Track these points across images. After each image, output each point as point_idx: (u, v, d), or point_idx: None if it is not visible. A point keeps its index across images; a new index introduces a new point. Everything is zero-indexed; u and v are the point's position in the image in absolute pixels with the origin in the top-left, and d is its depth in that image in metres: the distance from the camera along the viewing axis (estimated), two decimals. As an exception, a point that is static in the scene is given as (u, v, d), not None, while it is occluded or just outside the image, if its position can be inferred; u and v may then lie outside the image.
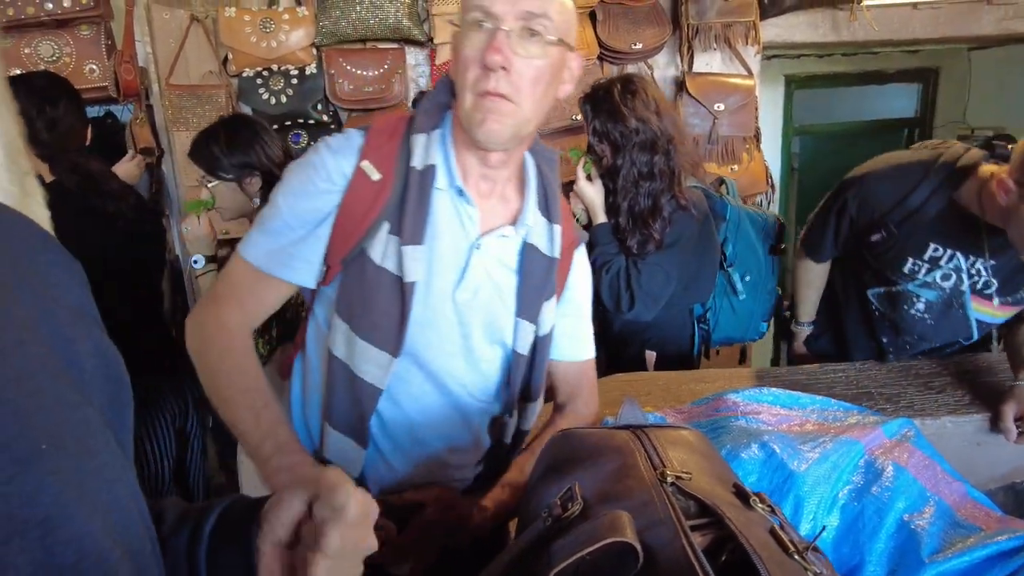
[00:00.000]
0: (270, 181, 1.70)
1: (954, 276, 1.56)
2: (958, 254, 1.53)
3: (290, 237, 0.95)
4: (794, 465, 0.98)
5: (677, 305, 1.90)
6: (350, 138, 0.95)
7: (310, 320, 1.05)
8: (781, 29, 2.71)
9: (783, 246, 2.11)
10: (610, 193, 1.77)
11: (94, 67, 2.38)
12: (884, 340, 1.72)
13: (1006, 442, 1.34)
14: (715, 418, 1.19)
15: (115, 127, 2.75)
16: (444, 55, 2.45)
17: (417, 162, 0.92)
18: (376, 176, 0.92)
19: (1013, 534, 0.91)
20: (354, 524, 0.48)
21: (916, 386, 1.52)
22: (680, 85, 2.63)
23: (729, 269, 2.02)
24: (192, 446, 2.02)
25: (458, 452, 1.05)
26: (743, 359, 2.36)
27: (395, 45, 2.51)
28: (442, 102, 0.97)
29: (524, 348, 1.01)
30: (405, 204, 0.91)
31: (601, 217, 1.76)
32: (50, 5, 2.29)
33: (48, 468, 0.35)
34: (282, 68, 2.42)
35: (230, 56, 2.43)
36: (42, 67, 2.31)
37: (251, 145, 1.71)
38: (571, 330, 1.11)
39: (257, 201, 1.74)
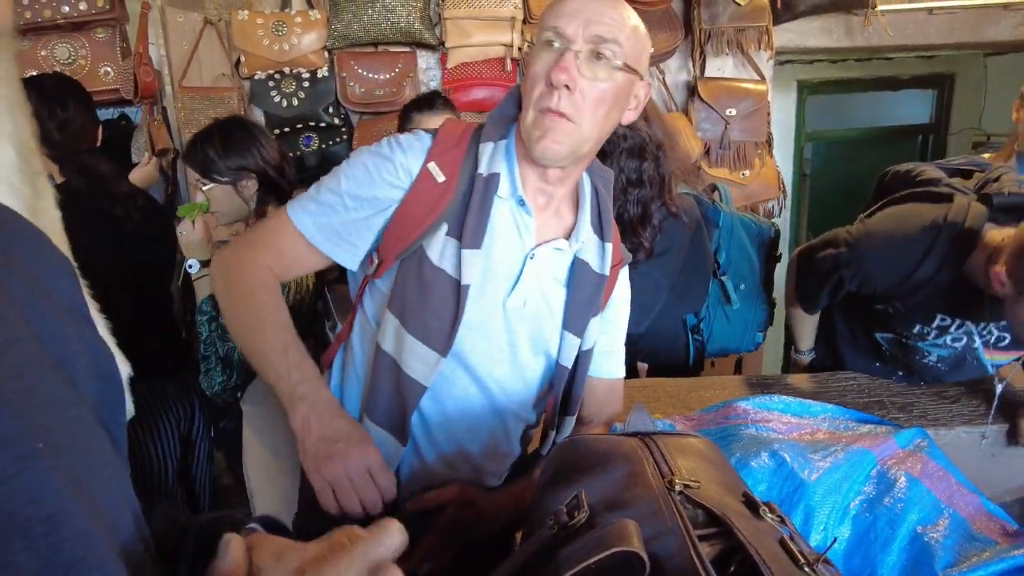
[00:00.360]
0: (266, 184, 1.68)
1: (965, 339, 1.48)
2: (968, 323, 1.46)
3: (342, 217, 0.97)
4: (805, 474, 0.97)
5: (669, 315, 1.84)
6: (420, 139, 0.99)
7: (358, 313, 1.07)
8: (794, 34, 2.69)
9: (779, 254, 2.04)
10: None
11: (109, 69, 2.41)
12: (899, 374, 1.66)
13: (1023, 454, 1.32)
14: (725, 426, 1.18)
15: (129, 128, 2.78)
16: (455, 59, 2.45)
17: (483, 169, 0.95)
18: (441, 178, 0.95)
19: (1030, 548, 0.89)
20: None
21: (929, 395, 1.50)
22: (692, 90, 2.62)
23: (723, 278, 1.95)
24: (198, 448, 2.03)
25: (494, 458, 1.06)
26: (738, 371, 2.30)
27: (406, 48, 2.52)
28: (509, 114, 1.00)
29: (568, 361, 1.03)
30: (467, 208, 0.94)
31: None
32: (66, 8, 2.32)
33: (48, 466, 0.35)
34: (294, 71, 2.44)
35: (242, 59, 2.45)
36: (58, 69, 2.33)
37: (247, 147, 1.69)
38: (608, 347, 1.13)
39: (253, 205, 1.70)
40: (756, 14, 2.51)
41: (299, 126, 2.47)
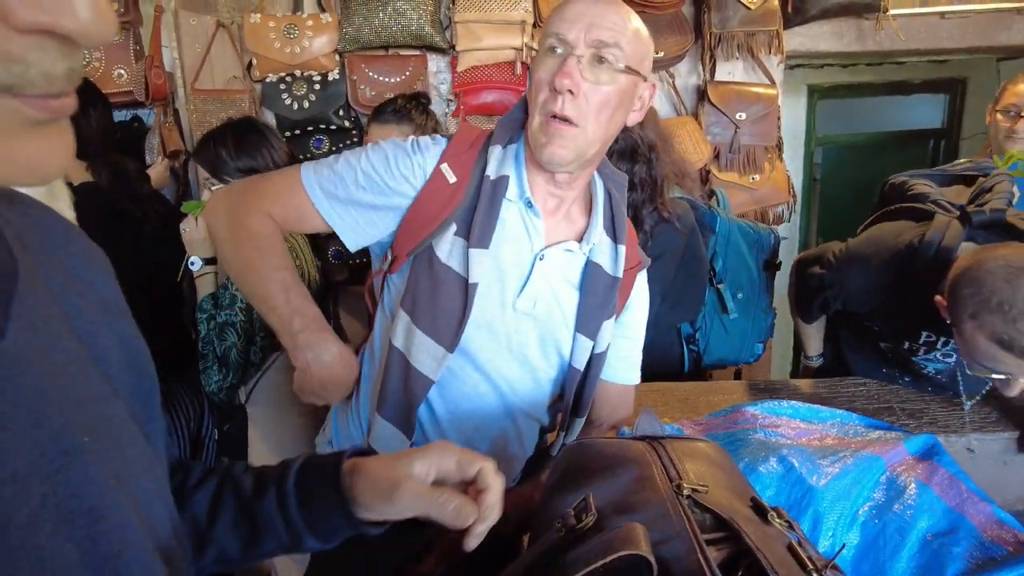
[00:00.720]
0: None
1: (955, 355, 1.46)
2: (952, 340, 1.43)
3: (351, 194, 0.99)
4: (813, 480, 0.97)
5: (663, 324, 1.79)
6: (437, 142, 1.02)
7: (378, 310, 1.09)
8: (805, 38, 2.68)
9: (778, 262, 1.99)
10: None
11: (122, 71, 2.43)
12: (905, 379, 1.66)
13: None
14: (733, 430, 1.17)
15: (142, 130, 2.80)
16: (466, 62, 2.46)
17: (491, 171, 0.97)
18: (453, 179, 0.98)
19: (1041, 557, 0.88)
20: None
21: (940, 402, 1.49)
22: (702, 94, 2.61)
23: (719, 286, 1.90)
24: (207, 448, 2.04)
25: (504, 459, 1.07)
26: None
27: (417, 52, 2.52)
28: (518, 119, 1.02)
29: (580, 363, 1.04)
30: (475, 209, 0.96)
31: None
32: (81, 11, 2.34)
33: (91, 460, 0.36)
34: (305, 74, 2.45)
35: (254, 61, 2.46)
36: (72, 71, 2.35)
37: (258, 150, 1.70)
38: (624, 352, 1.14)
39: None
40: (766, 18, 2.51)
41: (310, 128, 2.48)
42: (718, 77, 2.62)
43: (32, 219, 0.42)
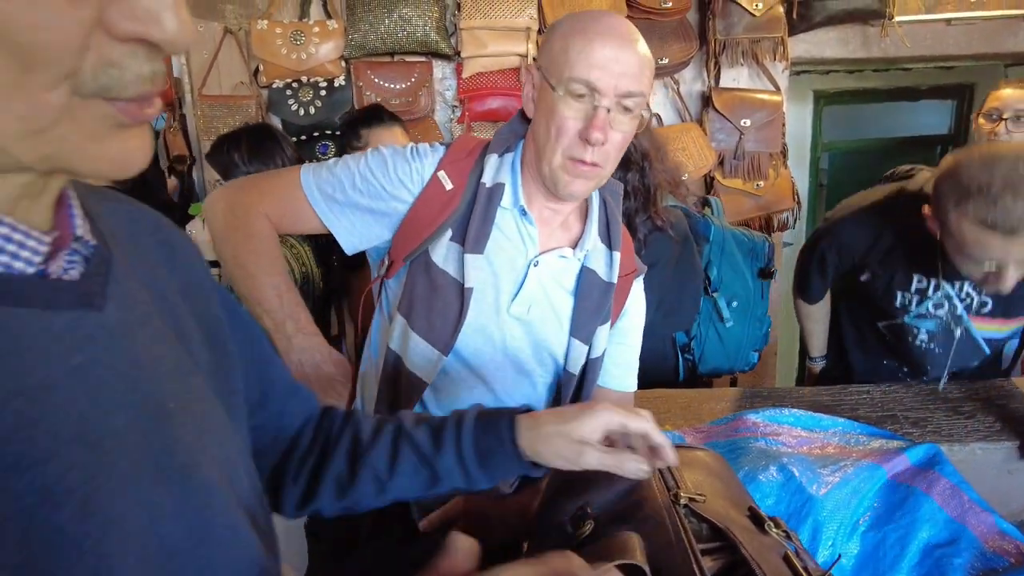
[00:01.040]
0: None
1: (946, 304, 1.52)
2: (944, 283, 1.50)
3: (349, 197, 1.00)
4: (813, 489, 0.97)
5: (657, 333, 1.74)
6: (435, 149, 1.03)
7: (375, 315, 1.11)
8: (810, 45, 2.68)
9: (773, 270, 1.98)
10: None
11: (131, 77, 2.45)
12: (904, 370, 1.68)
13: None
14: (734, 439, 1.17)
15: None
16: (471, 68, 2.47)
17: (487, 179, 0.99)
18: (449, 186, 0.99)
19: (1043, 568, 0.88)
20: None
21: (944, 411, 1.48)
22: (707, 100, 2.62)
23: (714, 295, 1.91)
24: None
25: None
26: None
27: (423, 58, 2.54)
28: (516, 130, 1.04)
29: (575, 368, 1.04)
30: (471, 216, 0.98)
31: None
32: (91, 17, 2.37)
33: (177, 423, 0.41)
34: (311, 80, 2.47)
35: (261, 67, 2.48)
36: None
37: (271, 156, 1.72)
38: (621, 359, 1.14)
39: None
40: (771, 25, 2.51)
41: (316, 134, 2.50)
42: (723, 83, 2.62)
43: (123, 213, 0.48)
